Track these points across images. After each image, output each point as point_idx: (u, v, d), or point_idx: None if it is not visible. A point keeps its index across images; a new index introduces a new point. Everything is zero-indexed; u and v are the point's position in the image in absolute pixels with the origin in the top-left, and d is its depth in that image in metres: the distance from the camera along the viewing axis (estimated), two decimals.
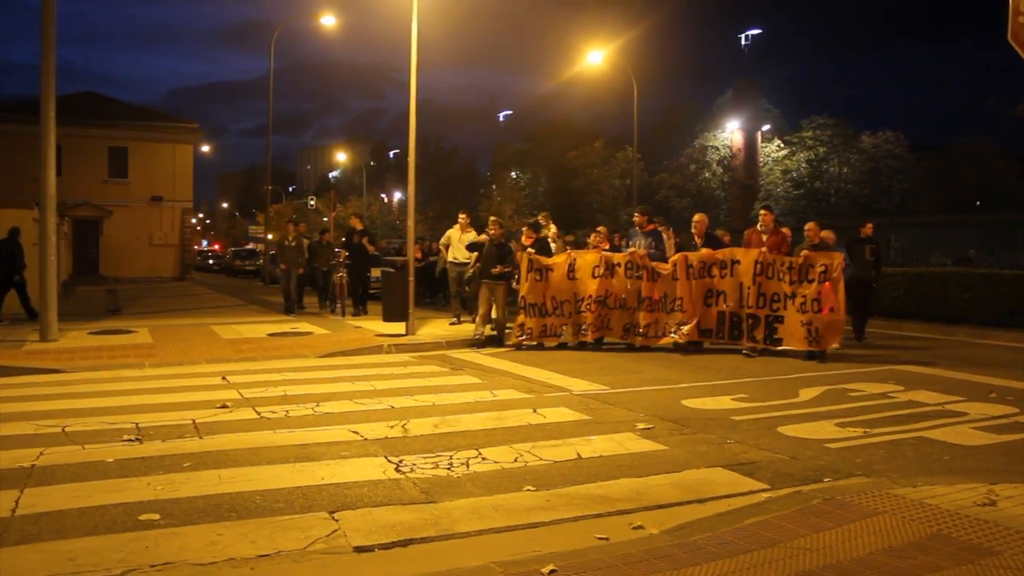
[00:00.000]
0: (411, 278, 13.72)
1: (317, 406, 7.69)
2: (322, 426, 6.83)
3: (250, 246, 55.31)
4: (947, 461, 5.86)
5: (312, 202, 62.81)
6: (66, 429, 6.66)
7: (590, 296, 11.90)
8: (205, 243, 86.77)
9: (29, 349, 11.81)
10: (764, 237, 11.47)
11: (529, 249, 12.32)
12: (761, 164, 49.35)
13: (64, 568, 3.81)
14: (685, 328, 11.40)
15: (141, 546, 4.07)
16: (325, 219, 41.86)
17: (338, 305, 17.25)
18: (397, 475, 5.36)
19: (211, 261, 58.82)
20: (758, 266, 11.10)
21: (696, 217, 12.36)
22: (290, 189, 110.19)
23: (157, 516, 4.51)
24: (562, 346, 12.19)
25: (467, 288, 15.27)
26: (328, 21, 32.02)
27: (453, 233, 15.71)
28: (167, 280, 36.86)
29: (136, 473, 5.38)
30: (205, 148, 59.31)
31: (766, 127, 50.61)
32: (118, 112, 38.88)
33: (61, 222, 24.40)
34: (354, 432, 6.57)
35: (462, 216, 16.09)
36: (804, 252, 10.91)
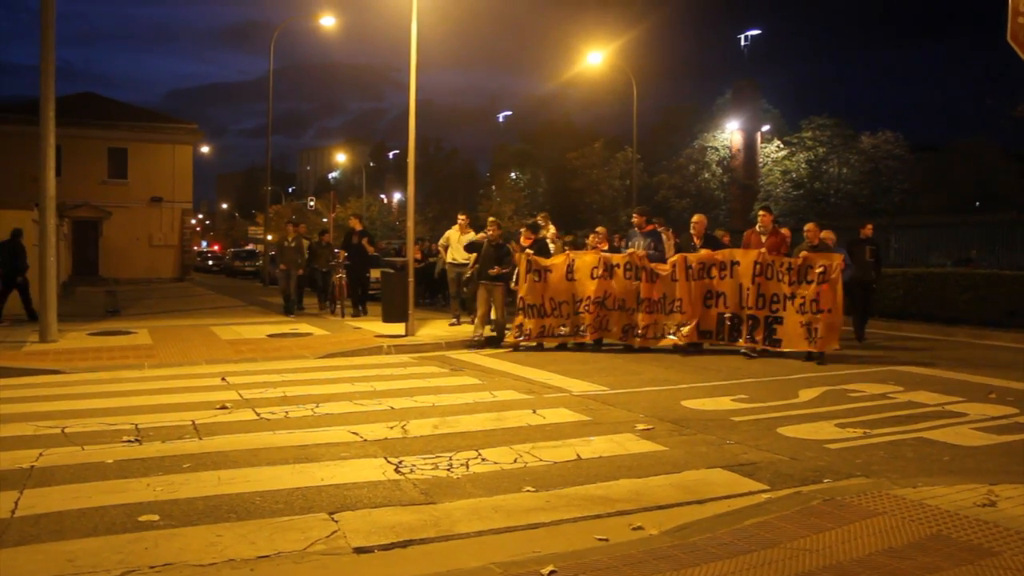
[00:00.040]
0: (411, 279, 13.72)
1: (317, 407, 7.69)
2: (322, 427, 6.83)
3: (250, 247, 55.28)
4: (947, 462, 5.86)
5: (312, 203, 62.80)
6: (65, 430, 6.66)
7: (588, 297, 11.89)
8: (205, 244, 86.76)
9: (29, 350, 11.81)
10: (763, 238, 11.47)
11: (528, 250, 12.30)
12: (761, 164, 49.41)
13: (63, 569, 3.81)
14: (685, 329, 11.39)
15: (141, 547, 4.07)
16: (325, 220, 41.84)
17: (337, 306, 17.25)
18: (397, 476, 5.36)
19: (211, 262, 58.76)
20: (757, 267, 11.10)
21: (695, 218, 12.36)
22: (290, 190, 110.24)
23: (157, 517, 4.51)
24: (561, 347, 12.18)
25: (465, 289, 15.27)
26: (328, 22, 32.04)
27: (452, 234, 15.69)
28: (167, 281, 36.86)
29: (135, 474, 5.37)
30: (205, 149, 59.35)
31: (765, 127, 50.68)
32: (118, 113, 38.90)
33: (61, 223, 24.41)
34: (354, 433, 6.57)
35: (461, 217, 16.08)
36: (803, 253, 10.91)
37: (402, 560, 4.00)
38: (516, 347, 11.96)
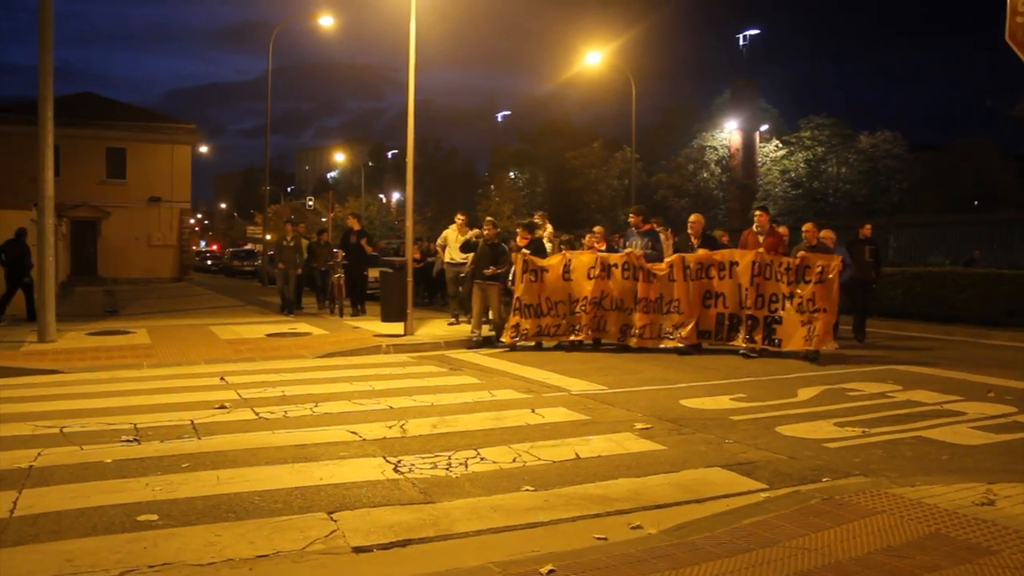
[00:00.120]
0: (409, 278, 13.72)
1: (315, 406, 7.69)
2: (320, 426, 6.83)
3: (248, 246, 55.23)
4: (945, 460, 5.86)
5: (310, 203, 62.80)
6: (64, 430, 6.65)
7: (585, 297, 11.85)
8: (203, 244, 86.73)
9: (27, 350, 11.80)
10: (760, 238, 11.46)
11: (524, 250, 12.26)
12: (759, 164, 49.40)
13: (62, 569, 3.80)
14: (683, 331, 11.36)
15: (139, 547, 4.07)
16: (324, 219, 41.84)
17: (336, 305, 17.25)
18: (395, 475, 5.36)
19: (209, 262, 58.70)
20: (756, 267, 11.09)
21: (692, 218, 12.33)
22: (288, 190, 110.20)
23: (155, 517, 4.51)
24: (560, 346, 12.17)
25: (460, 288, 15.27)
26: (326, 21, 32.00)
27: (450, 233, 15.66)
28: (165, 281, 36.84)
29: (134, 474, 5.37)
30: (203, 149, 59.30)
31: (764, 127, 50.66)
32: (116, 113, 38.86)
33: (59, 223, 24.38)
34: (352, 432, 6.57)
35: (459, 216, 16.06)
36: (801, 253, 10.90)
37: (401, 559, 4.00)
38: (513, 347, 11.94)
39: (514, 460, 5.75)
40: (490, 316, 12.87)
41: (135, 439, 6.35)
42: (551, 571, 3.62)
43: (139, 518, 4.48)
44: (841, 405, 7.83)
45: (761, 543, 3.97)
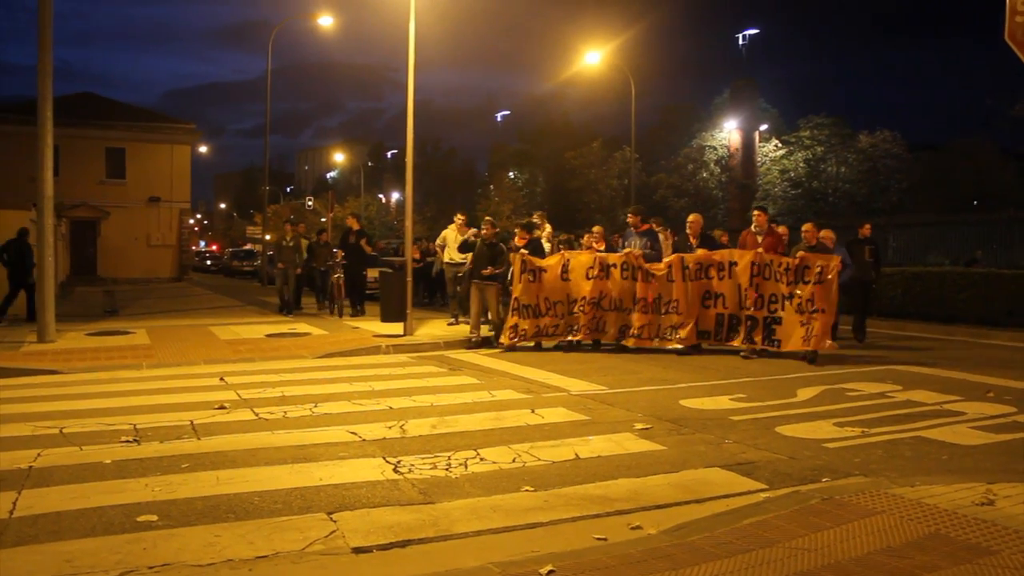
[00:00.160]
0: (409, 278, 13.72)
1: (315, 407, 7.69)
2: (320, 427, 6.83)
3: (248, 247, 55.24)
4: (945, 460, 5.86)
5: (310, 203, 62.80)
6: (64, 430, 6.65)
7: (584, 297, 11.81)
8: (203, 244, 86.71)
9: (27, 350, 11.80)
10: (759, 238, 11.45)
11: (522, 250, 12.24)
12: (759, 164, 49.37)
13: (62, 569, 3.80)
14: (682, 331, 11.34)
15: (139, 547, 4.07)
16: (323, 220, 41.83)
17: (336, 306, 17.25)
18: (395, 476, 5.36)
19: (209, 262, 58.69)
20: (755, 267, 11.07)
21: (691, 217, 12.31)
22: (288, 190, 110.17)
23: (155, 517, 4.51)
24: (559, 346, 12.16)
25: (458, 288, 15.26)
26: (326, 21, 32.00)
27: (449, 233, 15.64)
28: (165, 281, 36.84)
29: (134, 474, 5.37)
30: (203, 149, 59.33)
31: (764, 127, 50.63)
32: (115, 113, 38.85)
33: (59, 223, 24.40)
34: (352, 433, 6.57)
35: (459, 216, 16.05)
36: (800, 253, 10.89)
37: (400, 560, 4.00)
38: (513, 347, 11.92)
39: (514, 460, 5.75)
40: (488, 316, 12.86)
41: (135, 439, 6.35)
42: (551, 571, 3.62)
43: (139, 519, 4.48)
44: (841, 405, 7.84)
45: (761, 543, 3.97)
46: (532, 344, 12.04)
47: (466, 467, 5.58)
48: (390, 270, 17.14)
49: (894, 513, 4.37)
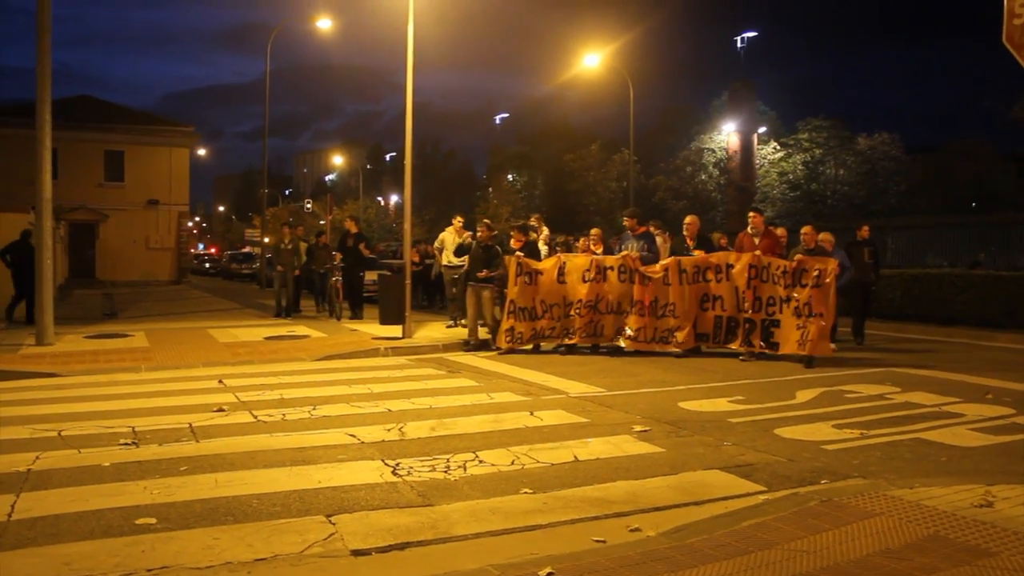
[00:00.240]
0: (407, 281, 13.71)
1: (314, 409, 7.68)
2: (319, 429, 6.83)
3: (246, 249, 55.23)
4: (944, 462, 5.86)
5: (309, 205, 62.79)
6: (62, 433, 6.65)
7: (580, 300, 11.74)
8: (201, 246, 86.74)
9: (25, 353, 11.79)
10: (756, 240, 11.44)
11: (518, 252, 12.23)
12: (757, 166, 49.38)
13: (60, 572, 3.80)
14: (680, 335, 11.33)
15: (138, 550, 4.07)
16: (322, 222, 41.86)
17: (335, 308, 17.23)
18: (394, 478, 5.36)
19: (207, 264, 58.65)
20: (752, 270, 11.05)
21: (687, 219, 12.29)
22: (287, 192, 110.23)
23: (154, 520, 4.50)
24: (558, 349, 12.15)
25: (454, 290, 15.26)
26: (324, 24, 31.94)
27: (447, 236, 15.60)
28: (164, 284, 36.83)
29: (132, 477, 5.36)
30: (201, 151, 59.23)
31: (762, 129, 50.64)
32: (114, 115, 38.87)
33: (57, 226, 24.35)
34: (351, 435, 6.56)
35: (457, 219, 16.01)
36: (798, 256, 10.89)
37: (400, 562, 3.99)
38: (511, 350, 11.90)
39: (512, 463, 5.75)
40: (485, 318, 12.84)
41: (133, 442, 6.34)
42: (550, 573, 3.62)
43: (137, 521, 4.48)
44: (840, 407, 7.84)
45: (759, 545, 3.97)
46: (530, 347, 12.03)
47: (465, 469, 5.58)
48: (389, 273, 17.13)
49: (893, 515, 4.37)
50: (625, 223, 12.58)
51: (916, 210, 40.70)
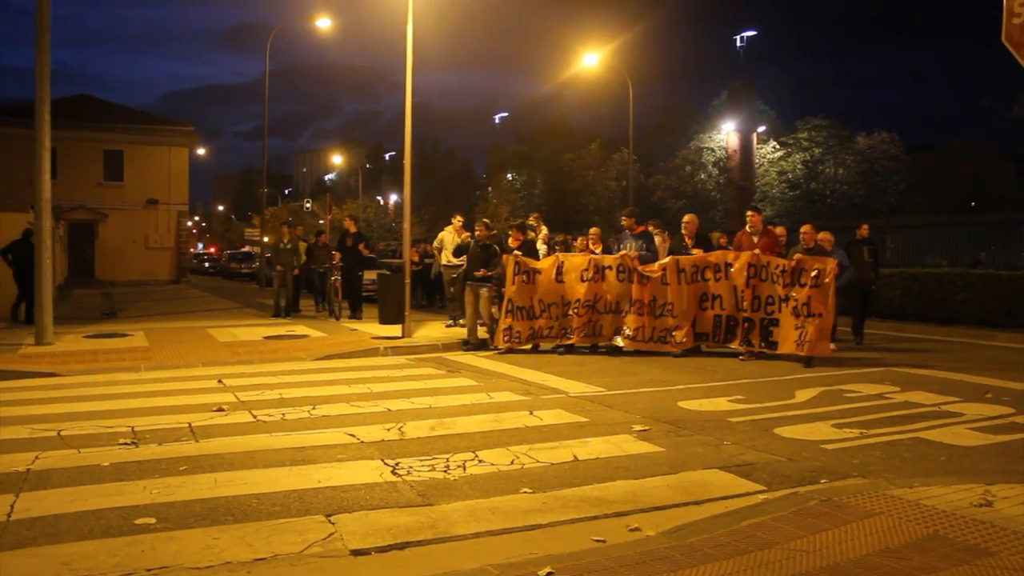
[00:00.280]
0: (407, 281, 13.70)
1: (313, 409, 7.68)
2: (318, 429, 6.83)
3: (246, 249, 55.21)
4: (943, 462, 5.87)
5: (308, 205, 62.72)
6: (62, 433, 6.64)
7: (578, 300, 11.70)
8: (201, 246, 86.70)
9: (24, 352, 11.78)
10: (755, 239, 11.44)
11: (516, 252, 12.21)
12: (757, 165, 49.38)
13: (60, 572, 3.80)
14: (679, 335, 11.33)
15: (137, 550, 4.06)
16: (321, 222, 41.85)
17: (334, 308, 17.23)
18: (394, 478, 5.36)
19: (207, 264, 58.66)
20: (751, 269, 11.05)
21: (686, 218, 12.28)
22: (286, 192, 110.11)
23: (153, 520, 4.50)
24: (557, 348, 12.14)
25: (452, 289, 15.24)
26: (324, 23, 31.92)
27: (447, 236, 15.59)
28: (163, 283, 36.81)
29: (132, 477, 5.36)
30: (201, 151, 59.25)
31: (761, 128, 50.63)
32: (113, 115, 38.84)
33: (56, 225, 24.34)
34: (350, 435, 6.56)
35: (456, 218, 16.00)
36: (797, 256, 10.89)
37: (399, 562, 3.99)
38: (510, 349, 11.89)
39: (512, 462, 5.75)
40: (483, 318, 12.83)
41: (133, 442, 6.34)
42: (549, 573, 3.62)
43: (137, 521, 4.48)
44: (839, 406, 7.84)
45: (759, 545, 3.97)
46: (529, 346, 12.02)
47: (464, 469, 5.58)
48: (388, 272, 17.13)
49: (892, 514, 4.37)
50: (623, 222, 12.55)
51: (916, 209, 40.71)
